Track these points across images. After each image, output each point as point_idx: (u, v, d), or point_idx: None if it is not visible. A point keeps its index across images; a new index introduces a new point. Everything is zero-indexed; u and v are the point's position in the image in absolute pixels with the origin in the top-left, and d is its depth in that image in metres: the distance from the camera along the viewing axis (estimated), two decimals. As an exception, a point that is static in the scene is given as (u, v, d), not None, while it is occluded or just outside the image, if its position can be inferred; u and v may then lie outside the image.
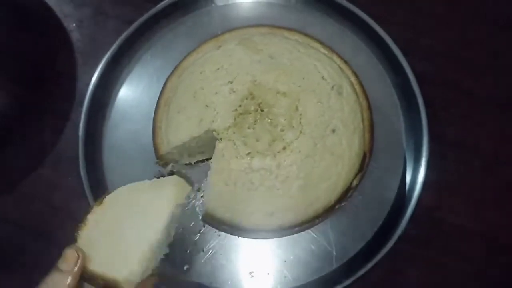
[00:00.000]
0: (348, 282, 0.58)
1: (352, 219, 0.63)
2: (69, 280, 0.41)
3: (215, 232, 0.63)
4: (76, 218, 0.64)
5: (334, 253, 0.62)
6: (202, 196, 0.65)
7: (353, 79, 0.65)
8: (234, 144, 0.58)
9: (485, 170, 0.66)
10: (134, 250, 0.46)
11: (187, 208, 0.64)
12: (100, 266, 0.44)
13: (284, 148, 0.58)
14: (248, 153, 0.58)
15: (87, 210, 0.50)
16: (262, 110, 0.59)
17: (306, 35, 0.68)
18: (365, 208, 0.63)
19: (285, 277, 0.61)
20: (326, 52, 0.66)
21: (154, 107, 0.68)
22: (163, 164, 0.66)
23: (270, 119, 0.59)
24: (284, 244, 0.62)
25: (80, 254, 0.43)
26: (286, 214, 0.60)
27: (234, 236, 0.63)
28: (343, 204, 0.63)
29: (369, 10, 0.67)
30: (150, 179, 0.61)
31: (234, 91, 0.61)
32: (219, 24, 0.71)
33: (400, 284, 0.64)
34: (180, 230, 0.62)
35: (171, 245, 0.54)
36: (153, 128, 0.67)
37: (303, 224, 0.61)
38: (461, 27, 0.71)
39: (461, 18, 0.72)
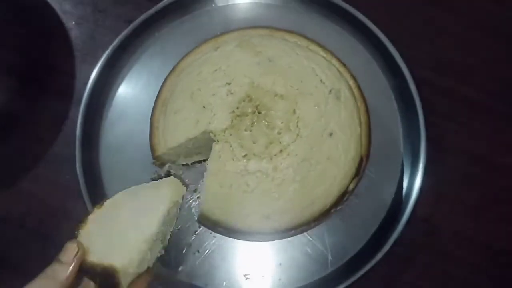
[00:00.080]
0: (343, 286, 0.58)
1: (348, 223, 0.63)
2: (68, 270, 0.43)
3: (210, 233, 0.63)
4: (73, 217, 0.65)
5: (330, 257, 0.62)
6: (198, 197, 0.65)
7: (351, 82, 0.65)
8: (231, 146, 0.58)
9: (482, 177, 0.66)
10: (130, 242, 0.48)
11: (183, 208, 0.63)
12: (98, 257, 0.45)
13: (280, 151, 0.58)
14: (245, 155, 0.58)
15: (87, 212, 0.52)
16: (259, 113, 0.59)
17: (305, 37, 0.68)
18: (361, 212, 0.63)
19: (279, 279, 0.61)
20: (325, 55, 0.66)
21: (152, 107, 0.68)
22: (160, 164, 0.66)
23: (267, 122, 0.59)
24: (280, 246, 0.62)
25: (80, 247, 0.44)
26: (282, 217, 0.59)
27: (229, 238, 0.63)
28: (339, 208, 0.63)
29: (368, 13, 0.66)
30: (146, 179, 0.63)
31: (231, 93, 0.60)
32: (219, 25, 0.71)
33: (395, 289, 0.64)
34: (176, 230, 0.62)
35: (166, 248, 0.55)
36: (150, 129, 0.66)
37: (299, 227, 0.61)
38: (462, 33, 0.71)
39: (462, 24, 0.71)
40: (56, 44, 0.74)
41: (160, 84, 0.69)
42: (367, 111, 0.65)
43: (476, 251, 0.64)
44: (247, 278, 0.62)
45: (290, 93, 0.60)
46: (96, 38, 0.74)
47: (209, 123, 0.60)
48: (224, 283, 0.62)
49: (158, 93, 0.68)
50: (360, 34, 0.68)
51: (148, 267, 0.50)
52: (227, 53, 0.64)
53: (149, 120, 0.67)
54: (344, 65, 0.67)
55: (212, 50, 0.66)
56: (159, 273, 0.59)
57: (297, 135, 0.58)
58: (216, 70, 0.63)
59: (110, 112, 0.69)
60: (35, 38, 0.75)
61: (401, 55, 0.65)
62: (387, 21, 0.66)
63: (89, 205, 0.62)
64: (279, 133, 0.58)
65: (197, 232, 0.63)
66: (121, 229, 0.49)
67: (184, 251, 0.63)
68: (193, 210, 0.64)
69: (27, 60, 0.74)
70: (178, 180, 0.63)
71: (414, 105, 0.63)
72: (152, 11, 0.69)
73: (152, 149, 0.66)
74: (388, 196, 0.63)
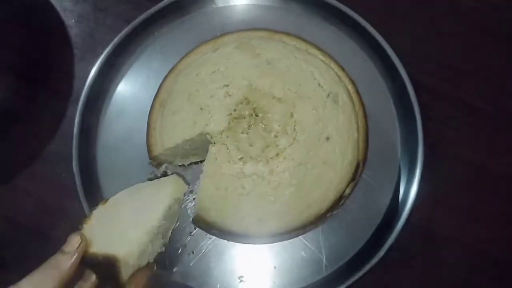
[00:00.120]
0: (337, 290, 0.58)
1: (343, 227, 0.63)
2: (71, 260, 0.44)
3: (206, 235, 0.63)
4: (69, 216, 0.65)
5: (325, 261, 0.62)
6: (194, 198, 0.65)
7: (350, 87, 0.65)
8: (227, 148, 0.58)
9: (479, 183, 0.66)
10: (132, 234, 0.49)
11: (182, 206, 0.63)
12: (100, 248, 0.46)
13: (277, 155, 0.58)
14: (241, 158, 0.58)
15: (83, 211, 0.54)
16: (256, 115, 0.59)
17: (304, 40, 0.67)
18: (357, 217, 0.63)
19: (274, 282, 0.61)
20: (323, 58, 0.66)
21: (150, 107, 0.68)
22: (157, 164, 0.66)
23: (265, 125, 0.59)
24: (275, 250, 0.62)
25: (83, 238, 0.46)
26: (278, 220, 0.59)
27: (224, 240, 0.63)
28: (335, 212, 0.62)
29: (368, 17, 0.66)
30: (143, 179, 0.63)
31: (229, 95, 0.60)
32: (219, 25, 0.70)
33: (390, 294, 0.63)
34: (172, 231, 0.62)
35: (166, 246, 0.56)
36: (147, 129, 0.66)
37: (294, 231, 0.61)
38: (462, 37, 0.71)
39: (462, 29, 0.71)
40: (56, 42, 0.74)
41: (159, 83, 0.68)
42: (365, 115, 0.65)
43: (473, 257, 0.64)
44: (241, 281, 0.62)
45: (288, 96, 0.60)
46: (96, 36, 0.74)
47: (206, 124, 0.60)
48: (219, 285, 0.62)
49: (156, 93, 0.68)
50: (359, 37, 0.68)
51: (149, 262, 0.51)
52: (226, 54, 0.64)
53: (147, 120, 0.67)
54: (343, 68, 0.66)
55: (211, 51, 0.66)
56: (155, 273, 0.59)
57: (294, 139, 0.58)
58: (214, 72, 0.62)
59: (108, 111, 0.69)
60: (34, 35, 0.74)
61: (400, 59, 0.64)
62: (387, 25, 0.66)
63: (84, 204, 0.62)
64: (276, 136, 0.58)
65: (192, 233, 0.63)
66: (123, 223, 0.50)
67: (179, 252, 0.63)
68: (189, 211, 0.64)
69: (26, 57, 0.74)
70: (180, 178, 0.64)
71: (412, 110, 0.63)
72: (152, 10, 0.69)
73: (149, 150, 0.66)
74: (384, 201, 0.63)
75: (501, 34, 0.71)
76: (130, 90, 0.70)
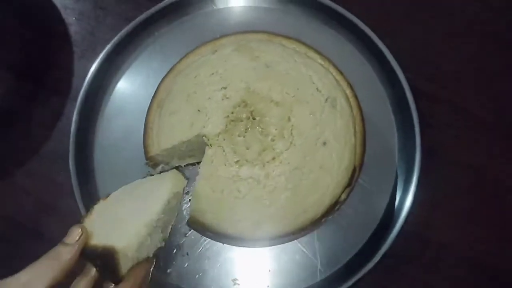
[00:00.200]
0: (330, 295, 0.58)
1: (339, 232, 0.62)
2: (72, 252, 0.44)
3: (201, 236, 0.63)
4: (65, 214, 0.65)
5: (319, 265, 0.61)
6: (190, 199, 0.64)
7: (348, 91, 0.64)
8: (224, 151, 0.58)
9: (476, 190, 0.65)
10: (131, 227, 0.50)
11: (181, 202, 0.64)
12: (100, 240, 0.47)
13: (273, 158, 0.57)
14: (237, 161, 0.58)
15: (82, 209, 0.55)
16: (254, 118, 0.59)
17: (303, 44, 0.67)
18: (352, 222, 0.62)
19: (268, 286, 0.61)
20: (322, 62, 0.65)
21: (148, 107, 0.67)
22: (153, 165, 0.65)
23: (262, 128, 0.58)
24: (270, 253, 0.62)
25: (83, 231, 0.46)
26: (273, 224, 0.59)
27: (219, 242, 0.62)
28: (330, 217, 0.62)
29: (368, 21, 0.66)
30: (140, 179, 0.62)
31: (227, 97, 0.60)
32: (218, 26, 0.70)
33: (384, 300, 0.63)
34: (171, 226, 0.62)
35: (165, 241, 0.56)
36: (144, 129, 0.66)
37: (289, 235, 0.61)
38: (462, 44, 0.70)
39: (463, 35, 0.71)
40: (56, 39, 0.74)
41: (158, 83, 0.68)
42: (362, 120, 0.64)
43: (470, 263, 0.63)
44: (235, 283, 0.62)
45: (286, 100, 0.59)
46: (96, 34, 0.74)
47: (203, 126, 0.59)
48: (212, 287, 0.61)
49: (154, 93, 0.68)
50: (358, 40, 0.68)
51: (148, 257, 0.51)
52: (225, 56, 0.63)
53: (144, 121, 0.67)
54: (341, 73, 0.66)
55: (210, 53, 0.66)
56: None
57: (291, 143, 0.58)
58: (213, 74, 0.62)
59: (106, 109, 0.69)
60: (34, 33, 0.74)
61: (399, 63, 0.64)
62: (386, 29, 0.66)
63: (80, 203, 0.62)
64: (272, 140, 0.58)
65: (187, 235, 0.63)
66: (123, 216, 0.51)
67: (174, 253, 0.63)
68: (184, 212, 0.64)
69: (26, 55, 0.74)
70: (180, 173, 0.64)
71: (410, 115, 0.63)
72: (152, 10, 0.69)
73: (146, 150, 0.65)
74: (380, 207, 0.63)
75: (501, 39, 0.70)
76: (129, 89, 0.70)
